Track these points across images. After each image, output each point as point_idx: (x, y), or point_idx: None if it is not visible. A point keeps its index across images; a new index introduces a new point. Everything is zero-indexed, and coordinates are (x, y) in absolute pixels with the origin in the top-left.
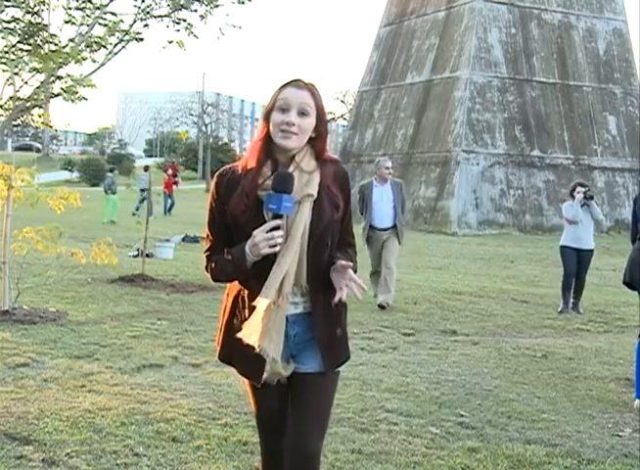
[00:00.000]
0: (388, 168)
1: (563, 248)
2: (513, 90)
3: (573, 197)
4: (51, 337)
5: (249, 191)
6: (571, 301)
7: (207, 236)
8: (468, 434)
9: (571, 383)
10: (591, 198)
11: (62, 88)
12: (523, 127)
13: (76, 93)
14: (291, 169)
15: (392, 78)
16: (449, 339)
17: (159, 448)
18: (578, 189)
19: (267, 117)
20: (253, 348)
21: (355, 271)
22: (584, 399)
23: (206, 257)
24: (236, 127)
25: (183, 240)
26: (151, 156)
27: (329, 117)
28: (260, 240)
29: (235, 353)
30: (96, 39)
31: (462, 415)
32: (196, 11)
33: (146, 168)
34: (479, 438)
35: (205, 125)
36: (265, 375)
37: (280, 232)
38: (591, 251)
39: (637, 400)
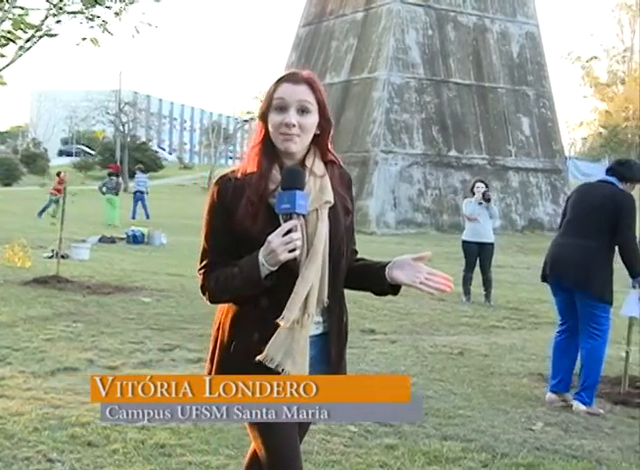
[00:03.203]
0: None
1: (464, 243)
2: (430, 91)
3: (474, 193)
4: None
5: (257, 199)
6: (483, 293)
7: (205, 251)
8: (386, 431)
9: (486, 379)
10: (488, 200)
11: None
12: (440, 128)
13: None
14: (305, 178)
15: None
16: (368, 338)
17: (73, 453)
18: (478, 185)
19: (264, 118)
20: (270, 372)
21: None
22: (499, 395)
23: (204, 273)
24: (154, 127)
25: (100, 241)
26: (68, 155)
27: (248, 116)
28: (278, 245)
29: None
30: (3, 33)
31: None
32: (110, 7)
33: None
34: (396, 435)
35: (123, 124)
36: None
37: (298, 234)
38: (491, 244)
39: (549, 393)
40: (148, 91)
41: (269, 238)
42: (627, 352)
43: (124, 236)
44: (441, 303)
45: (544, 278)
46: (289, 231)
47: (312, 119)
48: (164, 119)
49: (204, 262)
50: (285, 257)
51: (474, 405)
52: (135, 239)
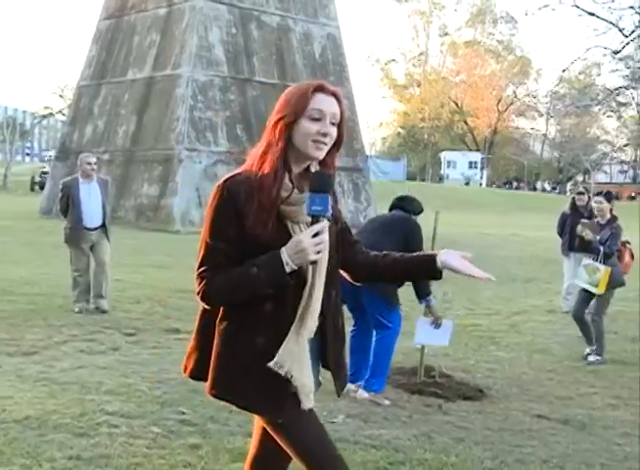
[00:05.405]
0: (90, 164)
1: None
2: (234, 89)
3: None
4: None
5: (269, 205)
6: None
7: (209, 253)
8: (190, 431)
9: None
10: None
11: None
12: (244, 126)
13: None
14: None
15: (113, 74)
16: (172, 337)
17: None
18: None
19: (289, 126)
20: (277, 379)
21: None
22: None
23: (208, 276)
24: None
25: None
26: None
27: (46, 112)
28: (309, 245)
29: (244, 387)
30: None
31: (184, 413)
32: None
33: None
34: (200, 434)
35: None
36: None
37: (325, 236)
38: None
39: (353, 386)
40: None
41: (300, 237)
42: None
43: None
44: None
45: None
46: (316, 233)
47: (336, 131)
48: None
49: (207, 265)
50: (313, 257)
51: None
52: None
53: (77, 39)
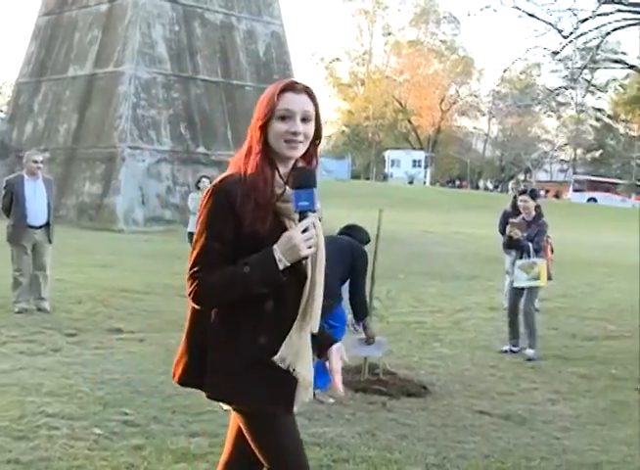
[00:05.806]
0: (36, 162)
1: (190, 234)
2: (178, 87)
3: (199, 188)
4: None
5: (265, 203)
6: None
7: (203, 253)
8: (133, 432)
9: None
10: None
11: None
12: (188, 124)
13: None
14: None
15: (53, 71)
16: (114, 337)
17: None
18: (203, 180)
19: (264, 127)
20: (278, 376)
21: None
22: None
23: (200, 276)
24: None
25: None
26: None
27: None
28: (300, 241)
29: (246, 385)
30: None
31: (127, 413)
32: None
33: None
34: (144, 435)
35: None
36: (296, 404)
37: (313, 231)
38: None
39: None
40: None
41: (291, 233)
42: None
43: None
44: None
45: None
46: (305, 228)
47: (312, 128)
48: None
49: (200, 265)
50: (306, 252)
51: None
52: None
53: (16, 35)
